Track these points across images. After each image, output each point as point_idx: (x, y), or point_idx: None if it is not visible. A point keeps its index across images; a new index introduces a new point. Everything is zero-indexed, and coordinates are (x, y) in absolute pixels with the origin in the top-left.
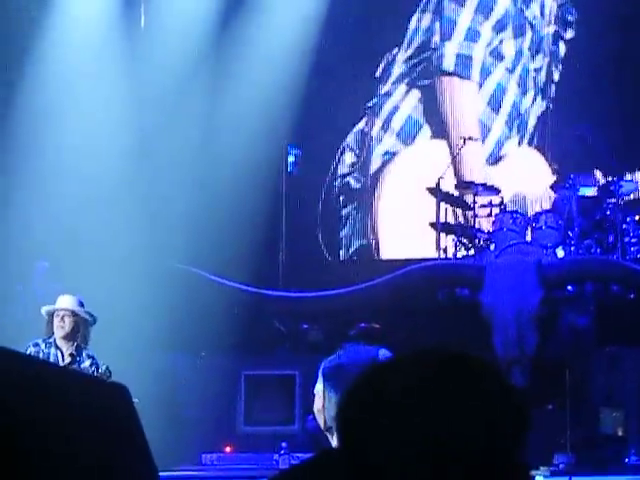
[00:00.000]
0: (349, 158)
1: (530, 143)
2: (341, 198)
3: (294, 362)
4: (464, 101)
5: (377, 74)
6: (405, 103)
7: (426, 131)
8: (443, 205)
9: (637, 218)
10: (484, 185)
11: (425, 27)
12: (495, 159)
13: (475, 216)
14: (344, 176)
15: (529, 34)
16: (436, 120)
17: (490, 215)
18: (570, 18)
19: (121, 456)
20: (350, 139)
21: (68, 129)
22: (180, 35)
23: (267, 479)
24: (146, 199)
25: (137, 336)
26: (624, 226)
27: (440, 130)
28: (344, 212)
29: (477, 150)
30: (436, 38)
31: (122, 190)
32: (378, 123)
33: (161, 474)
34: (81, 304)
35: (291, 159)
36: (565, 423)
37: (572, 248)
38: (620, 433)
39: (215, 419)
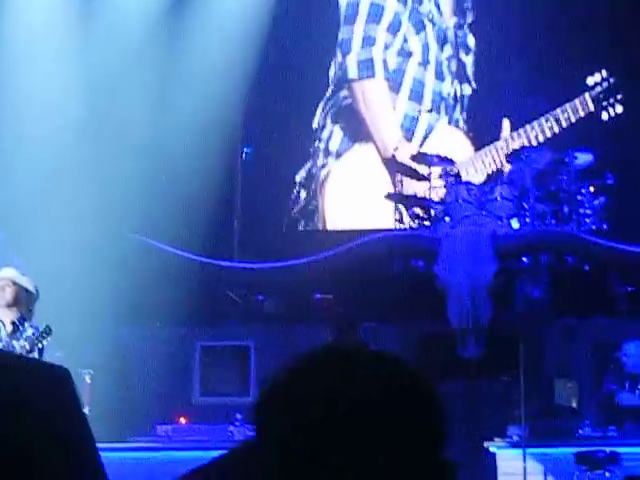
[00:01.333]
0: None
1: (456, 124)
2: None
3: (249, 333)
4: (375, 97)
5: None
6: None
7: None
8: (398, 176)
9: (592, 189)
10: (439, 156)
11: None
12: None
13: (430, 187)
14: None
15: (429, 28)
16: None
17: (445, 186)
18: (467, 5)
19: (61, 438)
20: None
21: (21, 94)
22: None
23: (191, 470)
24: (98, 167)
25: (91, 308)
26: (579, 197)
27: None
28: (299, 180)
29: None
30: (339, 59)
31: (75, 159)
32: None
33: (115, 445)
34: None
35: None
36: (519, 395)
37: (527, 219)
38: (574, 404)
39: (170, 390)
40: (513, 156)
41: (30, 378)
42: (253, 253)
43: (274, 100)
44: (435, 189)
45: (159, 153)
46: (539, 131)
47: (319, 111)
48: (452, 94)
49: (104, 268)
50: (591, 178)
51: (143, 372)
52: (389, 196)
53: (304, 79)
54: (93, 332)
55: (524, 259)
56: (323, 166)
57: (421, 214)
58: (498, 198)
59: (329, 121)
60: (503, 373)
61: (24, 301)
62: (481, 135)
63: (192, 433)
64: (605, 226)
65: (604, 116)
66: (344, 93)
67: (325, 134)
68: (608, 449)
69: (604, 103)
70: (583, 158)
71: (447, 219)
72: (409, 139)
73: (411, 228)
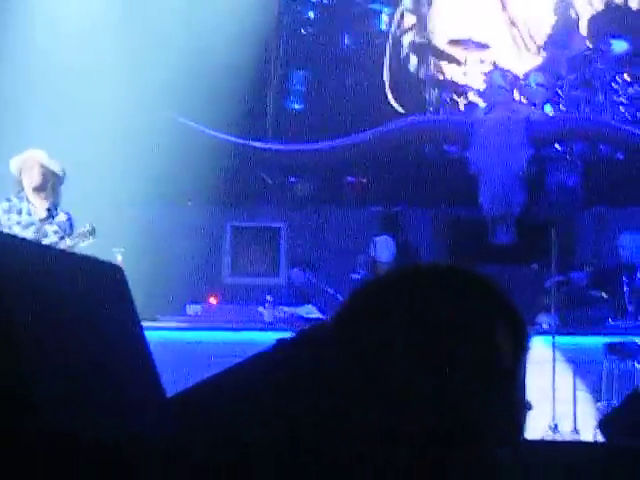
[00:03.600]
0: None
1: None
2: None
3: (280, 215)
4: None
5: None
6: None
7: None
8: (433, 60)
9: (627, 77)
10: (475, 41)
11: None
12: None
13: (465, 72)
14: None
15: None
16: None
17: (480, 72)
18: None
19: (111, 331)
20: None
21: None
22: None
23: (271, 347)
24: (133, 53)
25: (124, 187)
26: (614, 85)
27: None
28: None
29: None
30: None
31: (110, 46)
32: None
33: (145, 324)
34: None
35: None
36: (550, 282)
37: (561, 106)
38: (604, 295)
39: (201, 270)
40: (548, 42)
41: (85, 275)
42: (286, 134)
43: None
44: (470, 74)
45: (194, 33)
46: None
47: None
48: None
49: (139, 148)
50: (626, 66)
51: (174, 252)
52: (424, 80)
53: None
54: (125, 213)
55: (558, 146)
56: None
57: (456, 99)
58: (532, 84)
59: None
60: (534, 260)
61: (52, 184)
62: None
63: (222, 313)
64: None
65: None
66: None
67: None
68: (639, 340)
69: None
70: (619, 46)
71: (481, 104)
72: None
73: (445, 113)
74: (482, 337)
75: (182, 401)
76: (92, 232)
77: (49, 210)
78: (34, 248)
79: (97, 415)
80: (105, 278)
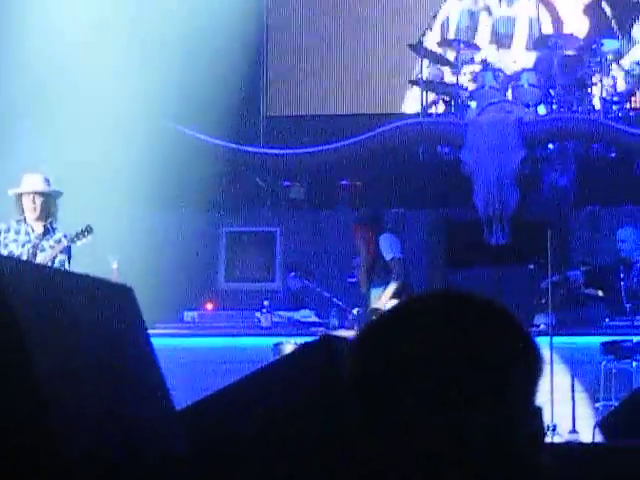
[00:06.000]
0: None
1: None
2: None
3: (275, 219)
4: None
5: None
6: None
7: None
8: (425, 62)
9: (618, 75)
10: (466, 42)
11: None
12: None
13: (457, 73)
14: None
15: None
16: None
17: (472, 73)
18: None
19: (126, 353)
20: None
21: None
22: None
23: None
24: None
25: (117, 193)
26: (605, 84)
27: None
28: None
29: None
30: None
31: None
32: None
33: None
34: (47, 181)
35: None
36: (546, 283)
37: (554, 106)
38: (601, 293)
39: (196, 276)
40: (540, 42)
41: (97, 297)
42: (279, 138)
43: None
44: (461, 75)
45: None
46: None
47: None
48: None
49: (133, 155)
50: (618, 64)
51: (170, 258)
52: (415, 82)
53: None
54: (121, 218)
55: (550, 146)
56: None
57: (447, 100)
58: (525, 85)
59: None
60: (530, 260)
61: (49, 207)
62: None
63: (219, 319)
64: (632, 113)
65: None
66: None
67: None
68: (635, 338)
69: None
70: (610, 44)
71: (473, 105)
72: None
73: (437, 114)
74: (498, 375)
75: (192, 416)
76: (89, 230)
77: (46, 228)
78: (46, 272)
79: (113, 430)
80: (117, 299)
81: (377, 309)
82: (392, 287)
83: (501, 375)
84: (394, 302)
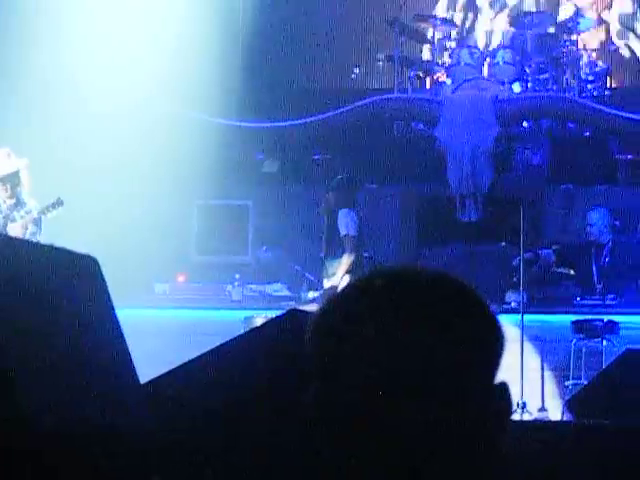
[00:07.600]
0: None
1: None
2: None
3: (247, 193)
4: None
5: None
6: None
7: None
8: (400, 37)
9: (593, 54)
10: (442, 19)
11: None
12: None
13: (433, 50)
14: None
15: None
16: None
17: (447, 49)
18: None
19: (89, 324)
20: None
21: None
22: None
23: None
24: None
25: (88, 166)
26: (581, 63)
27: None
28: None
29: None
30: None
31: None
32: None
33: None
34: (8, 156)
35: None
36: (518, 261)
37: (529, 84)
38: (572, 272)
39: (168, 248)
40: (515, 20)
41: (59, 268)
42: (253, 111)
43: None
44: (437, 52)
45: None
46: None
47: None
48: None
49: (105, 129)
50: (593, 43)
51: (142, 230)
52: (391, 58)
53: None
54: (92, 192)
55: (525, 124)
56: None
57: (422, 76)
58: (500, 62)
59: None
60: (502, 238)
61: (14, 181)
62: None
63: (190, 292)
64: (607, 93)
65: None
66: None
67: None
68: (606, 317)
69: None
70: (585, 23)
71: (448, 82)
72: None
73: (412, 91)
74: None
75: (155, 389)
76: (60, 203)
77: (18, 199)
78: (9, 242)
79: (78, 405)
80: (81, 270)
81: (333, 287)
82: (344, 264)
83: (450, 355)
84: (347, 278)
